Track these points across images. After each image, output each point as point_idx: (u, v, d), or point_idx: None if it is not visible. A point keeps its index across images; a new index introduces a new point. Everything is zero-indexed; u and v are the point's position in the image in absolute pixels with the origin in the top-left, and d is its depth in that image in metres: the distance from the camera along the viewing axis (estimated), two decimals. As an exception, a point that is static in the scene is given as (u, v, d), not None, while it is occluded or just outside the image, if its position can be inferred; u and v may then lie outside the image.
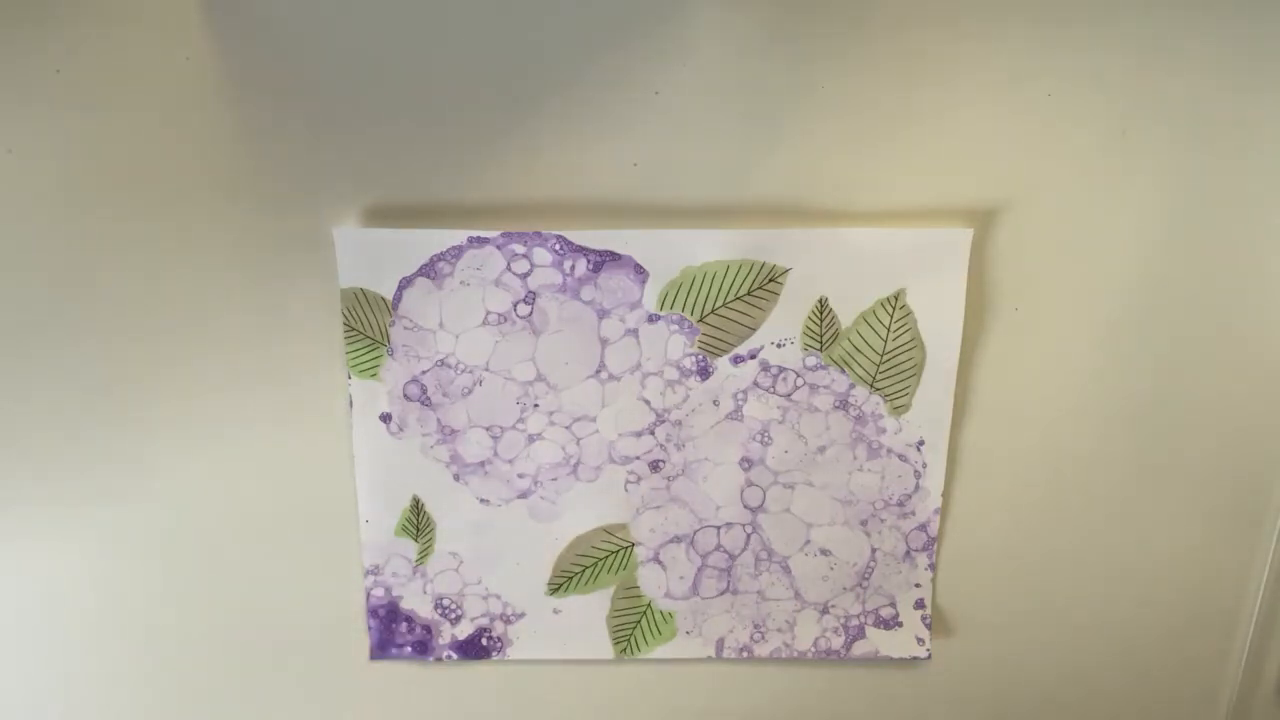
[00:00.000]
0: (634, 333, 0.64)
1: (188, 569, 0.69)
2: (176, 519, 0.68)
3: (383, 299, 0.62)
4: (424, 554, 0.69)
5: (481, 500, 0.68)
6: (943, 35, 0.58)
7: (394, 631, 0.71)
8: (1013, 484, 0.69)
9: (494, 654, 0.72)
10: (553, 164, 0.60)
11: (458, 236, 0.61)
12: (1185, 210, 0.62)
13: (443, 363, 0.64)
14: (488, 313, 0.63)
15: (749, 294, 0.63)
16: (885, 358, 0.64)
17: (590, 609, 0.71)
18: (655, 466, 0.67)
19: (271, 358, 0.64)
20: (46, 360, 0.64)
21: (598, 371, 0.64)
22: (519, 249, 0.61)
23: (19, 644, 0.71)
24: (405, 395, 0.65)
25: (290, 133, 0.59)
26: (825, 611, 0.71)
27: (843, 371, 0.65)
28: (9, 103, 0.58)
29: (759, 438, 0.66)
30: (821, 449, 0.67)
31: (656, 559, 0.70)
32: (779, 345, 0.64)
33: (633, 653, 0.72)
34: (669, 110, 0.59)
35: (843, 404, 0.66)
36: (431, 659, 0.72)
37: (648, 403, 0.65)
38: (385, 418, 0.65)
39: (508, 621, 0.71)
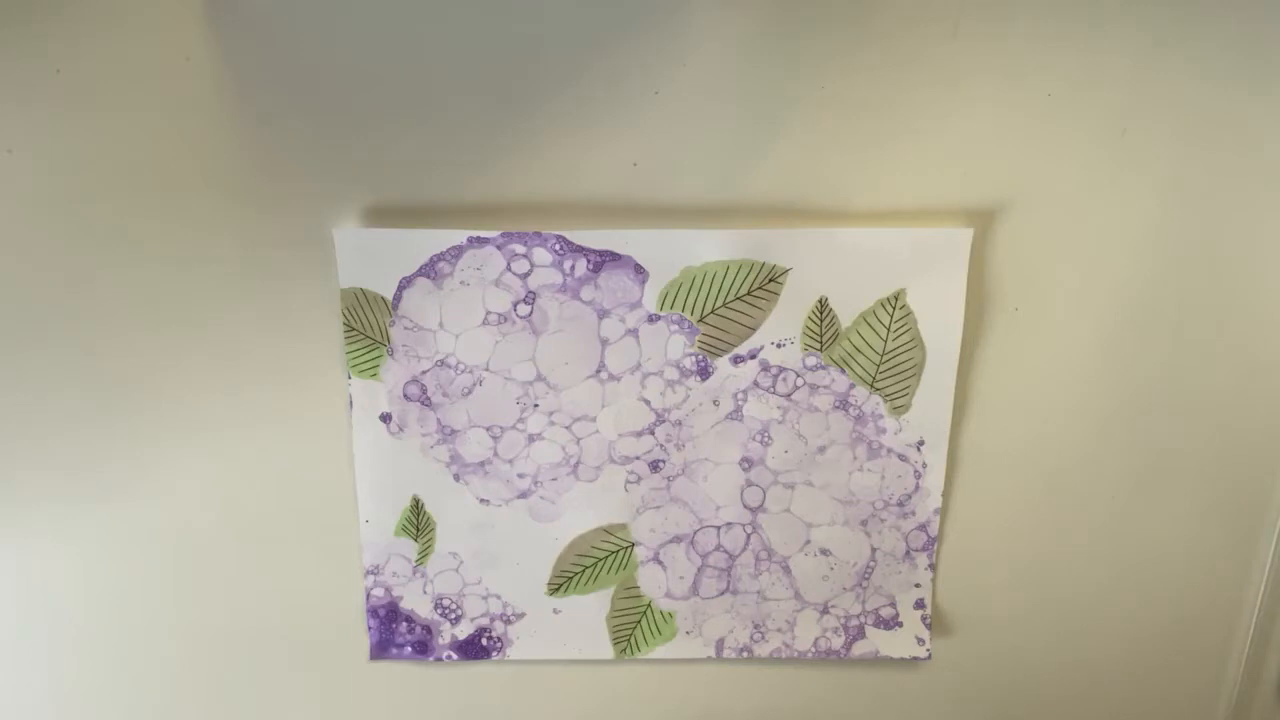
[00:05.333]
0: (634, 333, 0.64)
1: (187, 569, 0.69)
2: (176, 519, 0.68)
3: (383, 299, 0.62)
4: (424, 554, 0.69)
5: (481, 500, 0.68)
6: (943, 35, 0.58)
7: (394, 631, 0.71)
8: (1013, 484, 0.69)
9: (494, 654, 0.72)
10: (553, 164, 0.60)
11: (458, 236, 0.61)
12: (1185, 210, 0.62)
13: (443, 363, 0.64)
14: (488, 313, 0.63)
15: (749, 294, 0.63)
16: (885, 358, 0.65)
17: (590, 609, 0.71)
18: (655, 466, 0.67)
19: (271, 358, 0.64)
20: (46, 360, 0.64)
21: (598, 371, 0.64)
22: (519, 249, 0.61)
23: (17, 644, 0.71)
24: (405, 395, 0.65)
25: (290, 133, 0.59)
26: (825, 611, 0.71)
27: (843, 371, 0.65)
28: (9, 103, 0.58)
29: (759, 438, 0.66)
30: (821, 449, 0.67)
31: (656, 559, 0.70)
32: (779, 345, 0.64)
33: (633, 653, 0.72)
34: (669, 110, 0.59)
35: (843, 404, 0.66)
36: (431, 659, 0.72)
37: (648, 403, 0.65)
38: (385, 418, 0.65)
39: (508, 621, 0.71)
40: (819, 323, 0.64)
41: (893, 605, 0.71)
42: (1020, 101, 0.60)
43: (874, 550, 0.70)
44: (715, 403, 0.66)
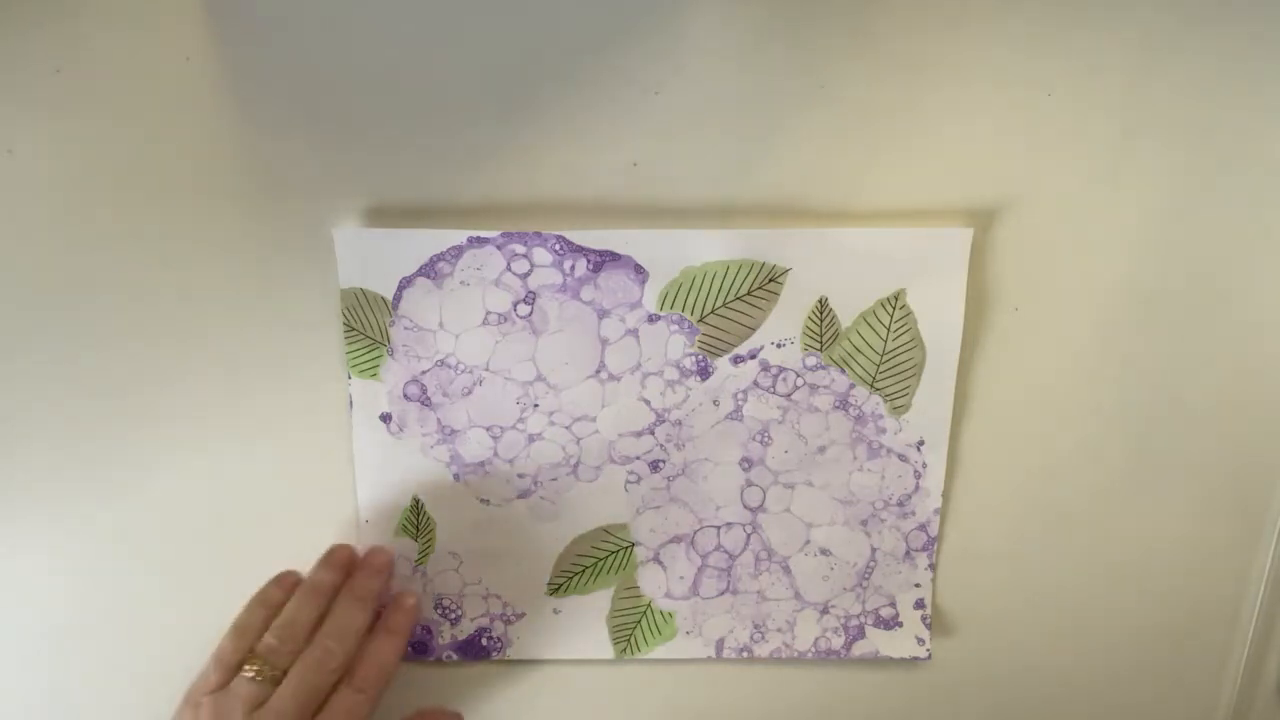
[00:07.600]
0: (634, 333, 0.64)
1: (185, 569, 0.69)
2: (174, 519, 0.68)
3: (383, 299, 0.62)
4: (424, 554, 0.69)
5: (481, 500, 0.68)
6: (943, 35, 0.58)
7: (394, 631, 0.71)
8: (1013, 483, 0.69)
9: (494, 654, 0.72)
10: (553, 164, 0.60)
11: (458, 236, 0.61)
12: (1185, 210, 0.62)
13: (443, 363, 0.64)
14: (488, 313, 0.63)
15: (749, 294, 0.63)
16: (885, 358, 0.65)
17: (590, 609, 0.71)
18: (655, 466, 0.67)
19: (271, 358, 0.64)
20: (46, 360, 0.64)
21: (598, 371, 0.64)
22: (519, 249, 0.61)
23: (16, 644, 0.71)
24: (405, 395, 0.65)
25: (290, 133, 0.59)
26: (825, 611, 0.71)
27: (843, 371, 0.65)
28: (9, 103, 0.58)
29: (759, 438, 0.66)
30: (821, 449, 0.67)
31: (656, 559, 0.70)
32: (779, 345, 0.64)
33: (633, 653, 0.72)
34: (669, 110, 0.59)
35: (843, 404, 0.66)
36: (431, 659, 0.72)
37: (648, 403, 0.65)
38: (385, 418, 0.65)
39: (508, 621, 0.71)
40: (819, 323, 0.64)
41: (893, 605, 0.71)
42: (1020, 101, 0.60)
43: (874, 550, 0.70)
44: (715, 403, 0.66)
